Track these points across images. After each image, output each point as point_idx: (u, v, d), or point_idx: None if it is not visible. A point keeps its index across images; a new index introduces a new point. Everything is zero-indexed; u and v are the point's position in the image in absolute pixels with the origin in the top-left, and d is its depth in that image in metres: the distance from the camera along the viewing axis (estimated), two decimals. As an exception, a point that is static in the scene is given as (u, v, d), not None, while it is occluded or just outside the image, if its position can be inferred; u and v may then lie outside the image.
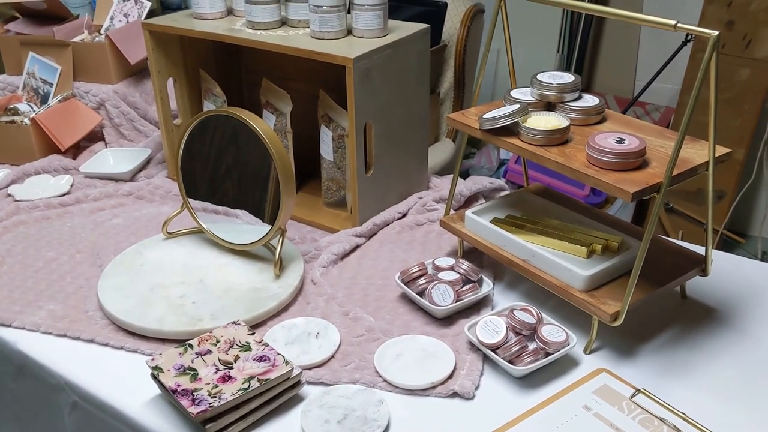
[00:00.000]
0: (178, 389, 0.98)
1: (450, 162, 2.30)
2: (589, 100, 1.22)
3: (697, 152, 1.09)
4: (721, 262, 1.33)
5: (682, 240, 2.65)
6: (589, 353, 1.13)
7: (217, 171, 1.41)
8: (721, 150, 1.09)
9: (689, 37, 2.66)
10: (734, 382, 1.08)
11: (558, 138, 1.13)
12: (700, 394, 1.05)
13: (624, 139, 1.07)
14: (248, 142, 1.30)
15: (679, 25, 0.98)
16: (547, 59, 3.29)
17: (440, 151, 2.32)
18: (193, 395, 0.97)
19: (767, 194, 2.82)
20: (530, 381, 1.08)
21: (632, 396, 1.03)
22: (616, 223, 1.30)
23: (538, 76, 1.23)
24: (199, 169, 1.41)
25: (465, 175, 1.52)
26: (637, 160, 1.06)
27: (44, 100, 1.91)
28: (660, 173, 1.04)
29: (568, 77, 1.23)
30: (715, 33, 0.95)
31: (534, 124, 1.14)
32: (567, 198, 1.40)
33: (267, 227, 1.33)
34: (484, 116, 1.18)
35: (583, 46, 3.22)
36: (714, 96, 1.00)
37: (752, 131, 2.60)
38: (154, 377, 1.03)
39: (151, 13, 1.98)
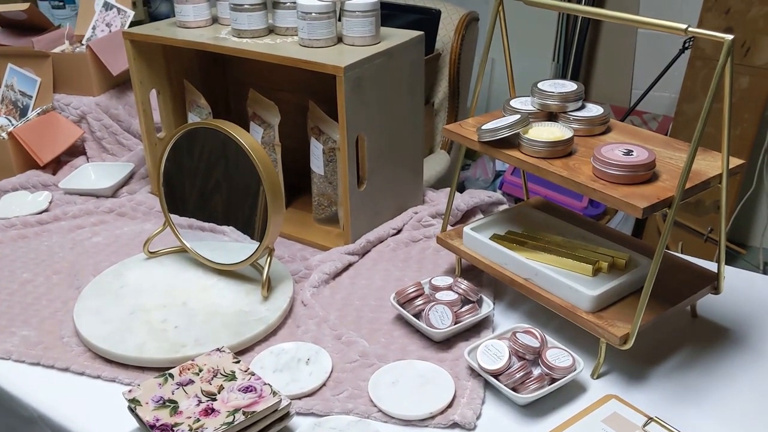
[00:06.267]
0: (157, 424, 0.91)
1: (445, 174, 2.24)
2: (593, 110, 1.16)
3: (710, 164, 1.03)
4: (731, 278, 1.27)
5: (681, 252, 2.60)
6: (597, 378, 1.07)
7: (204, 186, 1.34)
8: (734, 162, 1.03)
9: (686, 45, 2.61)
10: (751, 406, 1.01)
11: (561, 150, 1.07)
12: (716, 420, 0.98)
13: (632, 151, 1.01)
14: (236, 155, 1.23)
15: (690, 29, 0.92)
16: (542, 68, 3.24)
17: (435, 163, 2.26)
18: (173, 431, 0.90)
19: (768, 204, 2.77)
20: (535, 409, 1.01)
21: (645, 425, 0.96)
22: (621, 239, 1.24)
23: (539, 85, 1.17)
24: (185, 183, 1.34)
25: (460, 187, 1.46)
26: (646, 173, 0.99)
27: (23, 113, 1.84)
28: (671, 186, 0.98)
29: (570, 85, 1.17)
30: (730, 37, 0.89)
31: (536, 135, 1.08)
32: (569, 212, 1.33)
33: (255, 245, 1.26)
34: (482, 127, 1.11)
35: (578, 54, 3.17)
36: (728, 103, 0.94)
37: (752, 140, 2.55)
38: (132, 411, 0.95)
39: (138, 24, 1.92)
